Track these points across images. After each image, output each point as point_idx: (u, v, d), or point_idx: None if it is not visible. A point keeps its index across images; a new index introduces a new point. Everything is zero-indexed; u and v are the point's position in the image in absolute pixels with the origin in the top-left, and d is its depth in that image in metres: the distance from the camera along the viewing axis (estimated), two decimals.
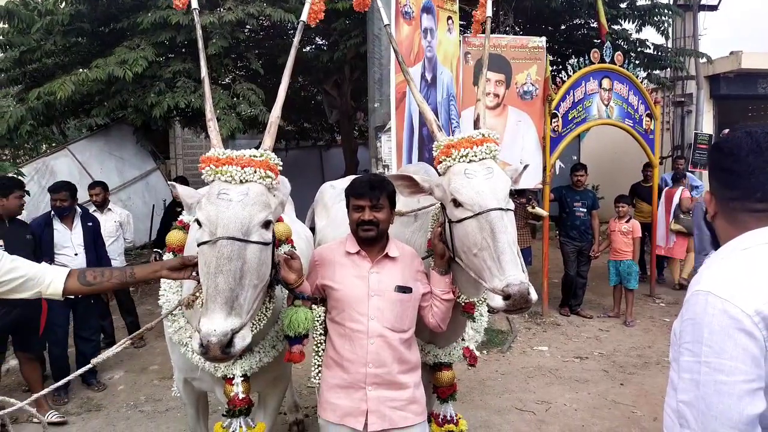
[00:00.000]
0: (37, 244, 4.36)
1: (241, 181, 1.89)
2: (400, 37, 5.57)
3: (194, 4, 2.39)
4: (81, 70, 6.02)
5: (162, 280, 2.38)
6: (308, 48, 8.72)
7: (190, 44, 6.89)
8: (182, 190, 2.02)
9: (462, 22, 7.02)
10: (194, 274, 2.04)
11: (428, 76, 5.79)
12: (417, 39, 5.69)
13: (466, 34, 6.31)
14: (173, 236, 2.47)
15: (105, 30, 6.88)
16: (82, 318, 4.83)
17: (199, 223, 1.89)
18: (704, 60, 10.47)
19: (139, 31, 6.09)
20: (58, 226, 4.66)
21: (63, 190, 4.68)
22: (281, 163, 2.02)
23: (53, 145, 10.76)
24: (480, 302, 2.42)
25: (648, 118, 7.23)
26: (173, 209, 6.39)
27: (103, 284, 2.14)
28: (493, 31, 7.56)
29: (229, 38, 6.15)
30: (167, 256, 2.41)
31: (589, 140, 14.02)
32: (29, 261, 2.10)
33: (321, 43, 8.87)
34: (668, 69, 10.18)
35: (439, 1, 5.82)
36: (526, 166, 2.40)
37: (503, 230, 2.00)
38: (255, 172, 1.90)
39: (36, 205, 7.90)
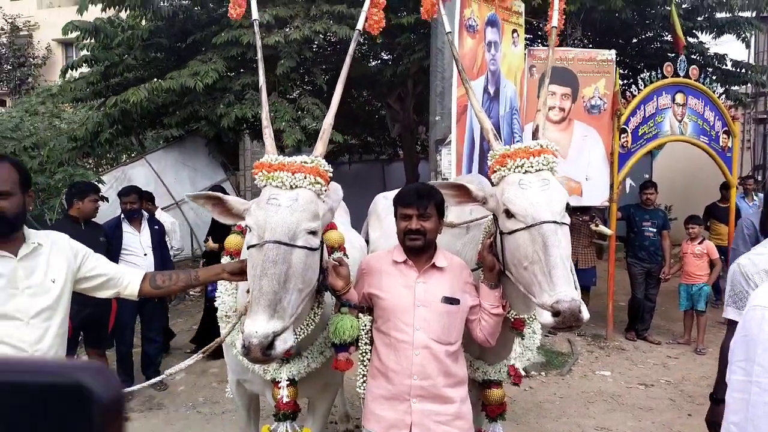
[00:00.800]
0: (110, 246, 4.60)
1: (291, 187, 1.91)
2: (463, 51, 5.55)
3: (255, 15, 2.45)
4: (156, 80, 6.36)
5: (219, 283, 2.44)
6: (373, 63, 8.83)
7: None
8: (232, 200, 2.07)
9: (528, 36, 6.93)
10: None
11: (491, 90, 5.73)
12: (480, 52, 5.65)
13: (531, 47, 6.21)
14: (231, 240, 2.54)
15: (181, 45, 7.24)
16: (149, 319, 5.05)
17: (249, 229, 1.93)
18: None
19: (212, 46, 6.37)
20: (127, 228, 4.90)
21: (132, 193, 4.94)
22: (331, 170, 2.03)
23: (132, 155, 11.40)
24: (530, 319, 2.34)
25: (725, 136, 6.85)
26: None
27: (171, 287, 2.26)
28: (560, 45, 7.41)
29: (296, 57, 6.34)
30: (225, 260, 2.48)
31: (663, 158, 13.43)
32: (110, 261, 2.24)
33: (386, 58, 8.98)
34: (748, 84, 9.61)
35: (505, 14, 5.77)
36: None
37: (556, 244, 1.93)
38: (305, 178, 1.92)
39: (114, 211, 8.39)
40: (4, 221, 1.89)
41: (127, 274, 2.20)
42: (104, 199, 6.66)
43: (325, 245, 2.52)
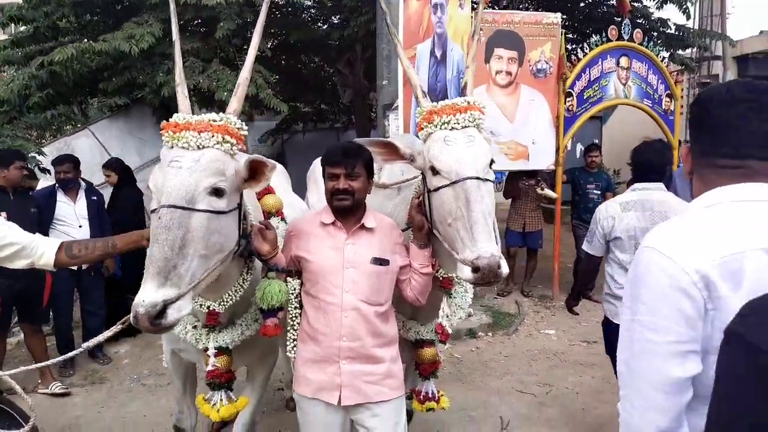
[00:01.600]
0: (42, 217, 4.42)
1: (198, 147, 1.82)
2: (408, 12, 5.46)
3: None
4: (87, 41, 6.04)
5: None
6: (321, 26, 8.62)
7: (198, 23, 6.86)
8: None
9: None
10: None
11: (438, 53, 5.67)
12: (426, 14, 5.56)
13: (477, 9, 6.15)
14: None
15: (117, 6, 6.89)
16: (87, 292, 4.89)
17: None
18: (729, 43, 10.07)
19: (148, 6, 6.08)
20: (62, 198, 4.71)
21: (66, 162, 4.74)
22: (245, 128, 1.95)
23: (77, 125, 10.94)
24: (459, 277, 2.34)
25: (668, 99, 6.99)
26: None
27: (88, 256, 2.17)
28: (506, 7, 7.38)
29: (237, 19, 6.11)
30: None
31: (612, 122, 13.70)
32: (24, 231, 2.13)
33: (335, 22, 8.78)
34: (693, 49, 9.81)
35: None
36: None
37: (479, 200, 1.93)
38: (212, 137, 1.83)
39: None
40: None
41: (42, 244, 2.11)
42: (46, 171, 6.39)
43: (259, 210, 2.47)
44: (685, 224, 1.18)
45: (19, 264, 2.07)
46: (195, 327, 2.29)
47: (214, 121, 1.86)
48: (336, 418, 2.21)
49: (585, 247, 3.38)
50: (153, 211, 1.78)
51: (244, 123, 1.95)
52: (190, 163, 1.79)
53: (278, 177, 3.54)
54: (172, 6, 2.21)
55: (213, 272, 1.84)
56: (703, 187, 1.24)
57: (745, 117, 1.18)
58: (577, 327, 5.84)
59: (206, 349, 2.28)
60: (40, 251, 2.06)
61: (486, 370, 4.75)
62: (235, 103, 2.00)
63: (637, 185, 3.14)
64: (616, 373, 1.30)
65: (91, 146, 9.78)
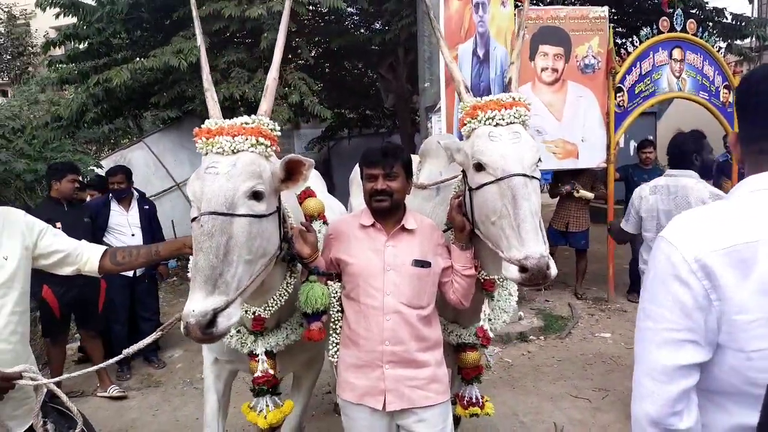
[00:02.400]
0: (96, 227, 4.58)
1: (233, 152, 1.81)
2: (449, 13, 5.41)
3: None
4: (138, 59, 6.26)
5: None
6: (362, 31, 8.66)
7: (243, 35, 7.00)
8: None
9: None
10: None
11: (480, 53, 5.59)
12: (468, 14, 5.50)
13: (521, 7, 6.04)
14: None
15: (165, 22, 7.11)
16: (141, 299, 5.05)
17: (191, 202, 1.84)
18: None
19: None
20: (115, 208, 4.88)
21: (119, 173, 4.90)
22: (278, 129, 1.93)
23: (133, 138, 11.38)
24: (502, 280, 2.27)
25: (726, 91, 6.66)
26: None
27: (132, 263, 2.20)
28: (551, 3, 7.21)
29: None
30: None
31: (668, 118, 13.18)
32: (70, 238, 2.19)
33: (377, 27, 8.80)
34: (752, 39, 9.33)
35: None
36: None
37: (526, 197, 1.86)
38: (246, 140, 1.81)
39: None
40: None
41: (87, 251, 2.15)
42: (82, 178, 6.63)
43: (300, 213, 2.45)
44: (706, 212, 1.14)
45: (66, 270, 2.12)
46: (238, 331, 2.28)
47: (246, 123, 1.84)
48: (382, 423, 2.16)
49: (622, 224, 3.83)
50: (194, 220, 1.76)
51: (276, 124, 1.93)
52: (227, 168, 1.77)
53: (313, 180, 3.56)
54: (194, 12, 2.19)
55: (258, 277, 1.82)
56: (756, 173, 1.16)
57: None
58: (634, 330, 5.61)
59: (251, 354, 2.26)
60: (85, 258, 2.11)
61: (538, 375, 4.62)
62: (265, 104, 1.97)
63: (668, 171, 3.53)
64: None
65: (146, 158, 10.15)
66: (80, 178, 4.49)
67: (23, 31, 22.67)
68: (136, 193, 5.11)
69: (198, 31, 2.15)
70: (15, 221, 2.03)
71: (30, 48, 22.50)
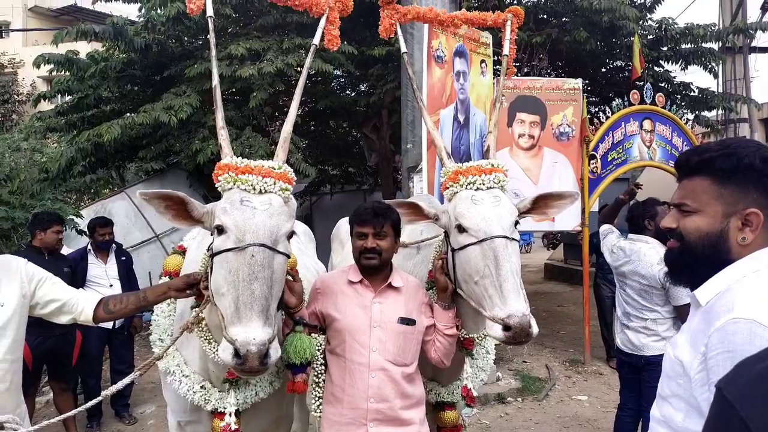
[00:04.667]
0: (75, 277, 4.55)
1: (260, 191, 1.85)
2: (432, 80, 5.66)
3: (209, 12, 2.39)
4: (129, 115, 6.40)
5: (156, 306, 2.35)
6: (350, 94, 8.96)
7: (232, 93, 7.20)
8: (195, 202, 1.94)
9: (497, 67, 7.08)
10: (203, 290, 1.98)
11: (461, 118, 5.83)
12: (449, 82, 5.76)
13: (499, 77, 6.36)
14: (170, 261, 2.45)
15: (156, 78, 7.31)
16: (118, 351, 4.97)
17: (220, 231, 1.81)
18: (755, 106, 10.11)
19: (185, 79, 6.44)
20: (93, 260, 4.85)
21: (110, 225, 4.92)
22: (295, 178, 2.01)
23: (114, 189, 11.36)
24: (483, 339, 2.34)
25: None
26: None
27: (123, 310, 2.21)
28: (527, 75, 7.59)
29: (269, 89, 6.41)
30: (163, 280, 2.40)
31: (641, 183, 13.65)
32: (67, 287, 2.21)
33: (362, 90, 9.13)
34: (718, 110, 9.87)
35: (473, 45, 5.91)
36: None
37: (507, 258, 1.96)
38: (275, 183, 1.87)
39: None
40: None
41: (82, 300, 2.17)
42: (82, 233, 6.61)
43: None
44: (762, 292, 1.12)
45: (62, 319, 2.15)
46: (203, 387, 2.21)
47: (273, 168, 1.90)
48: None
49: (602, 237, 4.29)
50: (228, 250, 1.75)
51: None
52: (264, 206, 1.81)
53: (304, 238, 3.60)
54: (213, 52, 2.29)
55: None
56: None
57: None
58: (610, 393, 5.65)
59: (215, 412, 2.19)
60: (80, 307, 2.13)
61: None
62: (282, 153, 2.05)
63: (629, 236, 3.84)
64: None
65: (127, 209, 10.10)
66: (63, 229, 4.49)
67: (10, 80, 22.84)
68: (114, 245, 5.10)
69: (214, 71, 2.21)
70: (15, 269, 2.06)
71: (16, 96, 22.64)
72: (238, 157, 1.98)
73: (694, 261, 1.26)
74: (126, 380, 2.08)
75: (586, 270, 6.64)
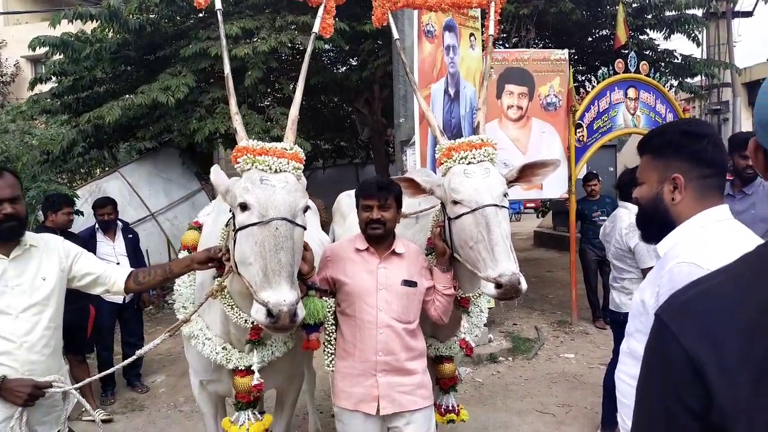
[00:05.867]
0: None
1: (276, 171, 2.04)
2: (423, 55, 5.81)
3: (218, 5, 2.53)
4: (128, 96, 6.51)
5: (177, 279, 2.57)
6: (341, 69, 9.06)
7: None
8: (215, 177, 2.14)
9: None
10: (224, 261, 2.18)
11: (451, 91, 6.01)
12: (440, 56, 5.92)
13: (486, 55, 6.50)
14: (188, 236, 2.68)
15: (150, 58, 7.39)
16: (128, 324, 5.20)
17: (243, 208, 1.98)
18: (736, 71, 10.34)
19: (180, 59, 6.54)
20: (101, 238, 5.05)
21: (109, 204, 5.09)
22: (305, 157, 2.20)
23: (106, 168, 11.43)
24: (477, 298, 2.59)
25: None
26: None
27: (151, 282, 2.43)
28: (515, 46, 7.75)
29: (263, 68, 6.53)
30: (183, 255, 2.62)
31: (628, 150, 13.90)
32: (99, 260, 2.43)
33: (354, 64, 9.23)
34: (701, 76, 10.08)
35: (461, 19, 6.05)
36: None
37: (497, 224, 2.18)
38: (288, 162, 2.07)
39: (91, 223, 8.46)
40: (20, 223, 2.13)
41: (114, 273, 2.39)
42: (79, 213, 6.77)
43: None
44: (708, 241, 1.36)
45: (97, 290, 2.37)
46: (224, 348, 2.44)
47: (286, 149, 2.10)
48: (374, 427, 2.42)
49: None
50: (253, 225, 1.94)
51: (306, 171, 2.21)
52: (282, 183, 2.02)
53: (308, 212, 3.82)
54: (223, 42, 2.47)
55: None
56: (698, 206, 1.45)
57: None
58: (596, 351, 5.98)
59: (235, 370, 2.44)
60: (113, 279, 2.35)
61: (507, 393, 4.92)
62: (291, 135, 2.25)
63: (620, 202, 4.07)
64: None
65: (121, 188, 10.22)
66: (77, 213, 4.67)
67: None
68: (120, 223, 5.29)
69: (226, 62, 2.39)
70: (54, 247, 2.28)
71: (0, 77, 22.37)
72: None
73: (648, 220, 1.56)
74: (156, 341, 2.30)
75: (572, 236, 6.91)
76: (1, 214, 2.08)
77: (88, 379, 2.75)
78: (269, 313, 1.86)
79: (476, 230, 2.20)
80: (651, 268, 3.70)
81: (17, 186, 2.16)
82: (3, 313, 2.10)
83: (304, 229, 2.07)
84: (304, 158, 2.19)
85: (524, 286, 2.12)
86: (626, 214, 3.81)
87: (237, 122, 2.25)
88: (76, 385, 2.30)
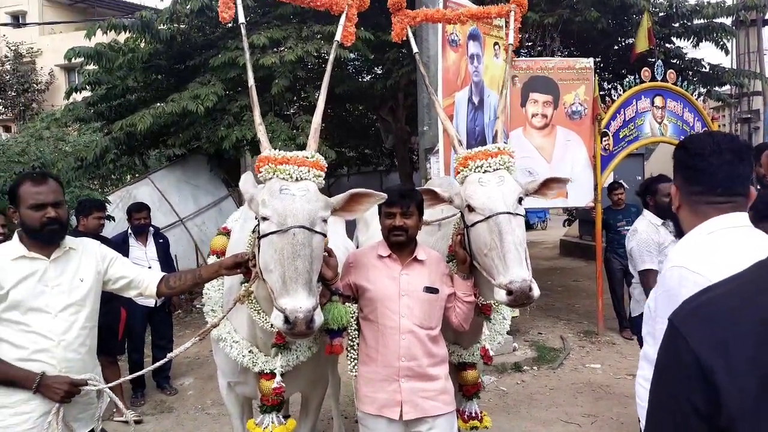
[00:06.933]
0: None
1: (297, 179, 2.09)
2: (447, 64, 5.86)
3: (241, 18, 2.63)
4: (159, 104, 6.70)
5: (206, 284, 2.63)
6: (366, 78, 9.16)
7: (256, 81, 7.48)
8: (243, 184, 2.22)
9: None
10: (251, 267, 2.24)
11: (475, 100, 6.03)
12: (464, 65, 5.96)
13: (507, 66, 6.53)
14: (217, 241, 2.76)
15: (180, 67, 7.58)
16: (159, 328, 5.34)
17: (264, 218, 2.05)
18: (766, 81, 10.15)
19: (210, 68, 6.70)
20: (134, 243, 5.20)
21: (144, 210, 5.25)
22: (326, 165, 2.26)
23: (136, 175, 11.72)
24: (497, 305, 2.61)
25: None
26: None
27: (182, 286, 2.51)
28: (540, 54, 7.74)
29: (290, 76, 6.65)
30: (211, 260, 2.71)
31: (656, 159, 13.74)
32: (132, 264, 2.53)
33: (378, 72, 9.33)
34: (730, 85, 9.93)
35: (486, 28, 6.08)
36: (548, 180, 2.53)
37: (510, 231, 2.21)
38: (309, 171, 2.13)
39: (122, 228, 8.69)
40: (62, 227, 2.23)
41: (147, 277, 2.48)
42: (110, 218, 6.96)
43: None
44: (700, 247, 1.41)
45: (131, 293, 2.47)
46: (251, 351, 2.50)
47: (307, 157, 2.16)
48: None
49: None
50: (273, 233, 2.00)
51: (330, 179, 2.27)
52: (302, 192, 2.07)
53: (333, 218, 3.88)
54: (246, 55, 2.56)
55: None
56: (695, 219, 1.50)
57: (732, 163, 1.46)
58: (622, 361, 5.92)
59: (262, 372, 2.49)
60: (146, 283, 2.44)
61: (531, 402, 4.90)
62: (313, 143, 2.32)
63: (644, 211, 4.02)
64: None
65: (151, 194, 10.45)
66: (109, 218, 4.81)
67: (29, 69, 23.29)
68: (152, 229, 5.43)
69: (249, 74, 2.50)
70: (91, 250, 2.38)
71: (35, 85, 23.11)
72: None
73: (675, 221, 1.70)
74: (187, 344, 2.38)
75: (598, 245, 6.86)
76: (44, 218, 2.18)
77: (120, 380, 2.85)
78: (286, 320, 1.91)
79: (489, 237, 2.24)
80: (646, 270, 3.77)
81: (60, 191, 2.27)
82: (42, 312, 2.19)
83: (324, 236, 2.11)
84: (326, 166, 2.24)
85: (536, 293, 2.14)
86: (639, 221, 3.83)
87: (261, 132, 2.33)
88: (109, 384, 2.39)
